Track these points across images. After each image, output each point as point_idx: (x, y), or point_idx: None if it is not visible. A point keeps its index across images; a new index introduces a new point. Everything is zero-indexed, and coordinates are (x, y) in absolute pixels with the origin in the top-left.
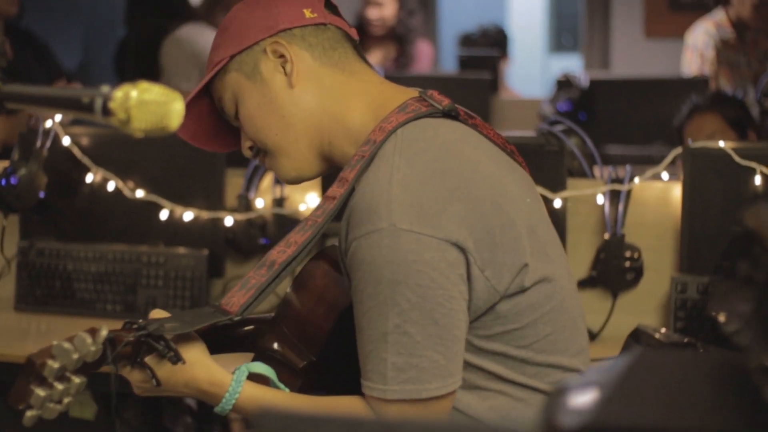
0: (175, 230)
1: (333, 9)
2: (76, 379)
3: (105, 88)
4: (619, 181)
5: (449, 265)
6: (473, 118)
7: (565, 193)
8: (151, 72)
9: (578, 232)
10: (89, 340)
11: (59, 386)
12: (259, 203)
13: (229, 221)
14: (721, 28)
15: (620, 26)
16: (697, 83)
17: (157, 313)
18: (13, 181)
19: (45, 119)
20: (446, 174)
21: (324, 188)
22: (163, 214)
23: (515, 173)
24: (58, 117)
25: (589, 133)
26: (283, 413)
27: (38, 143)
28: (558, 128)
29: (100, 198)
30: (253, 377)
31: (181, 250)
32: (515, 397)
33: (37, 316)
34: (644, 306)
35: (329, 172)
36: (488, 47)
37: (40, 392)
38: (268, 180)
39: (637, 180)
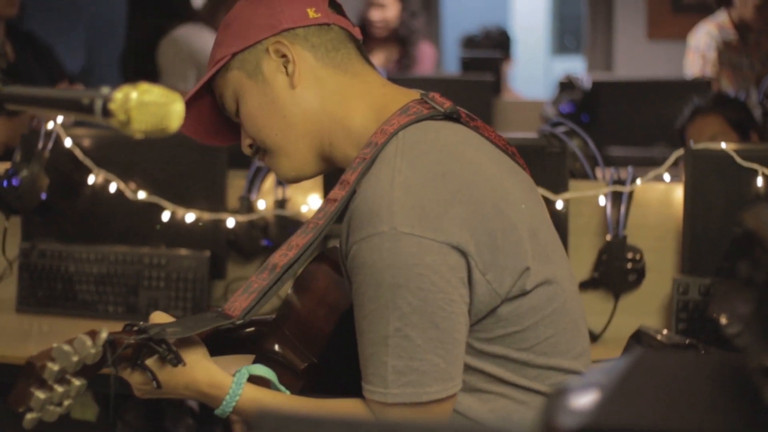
0: (176, 232)
1: (337, 8)
2: (77, 382)
3: (105, 90)
4: (621, 182)
5: (450, 268)
6: (475, 121)
7: (567, 195)
8: (152, 73)
9: (580, 233)
10: (89, 342)
11: (59, 389)
12: (261, 205)
13: (230, 223)
14: (724, 29)
15: (623, 28)
16: (700, 85)
17: (158, 316)
18: (14, 182)
19: (47, 121)
20: (447, 177)
21: (326, 190)
22: (165, 216)
23: (517, 176)
24: (60, 118)
25: (592, 135)
26: (282, 414)
27: (40, 145)
28: (560, 130)
29: (102, 199)
30: (254, 379)
31: (183, 251)
32: (516, 400)
33: (39, 318)
34: (646, 307)
35: (330, 172)
36: (491, 49)
37: (40, 395)
38: (269, 181)
39: (638, 181)
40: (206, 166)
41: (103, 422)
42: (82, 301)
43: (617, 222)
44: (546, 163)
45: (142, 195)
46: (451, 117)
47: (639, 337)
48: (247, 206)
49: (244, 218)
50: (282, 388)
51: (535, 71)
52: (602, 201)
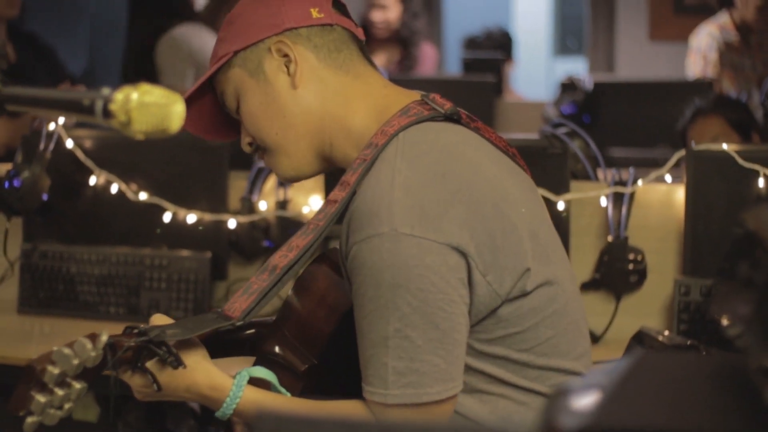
0: (178, 233)
1: (341, 9)
2: (77, 385)
3: (106, 91)
4: (623, 183)
5: (450, 269)
6: (475, 122)
7: (569, 196)
8: (153, 74)
9: (581, 234)
10: (89, 345)
11: (60, 392)
12: (263, 206)
13: (232, 224)
14: (725, 30)
15: (625, 29)
16: (701, 86)
17: (158, 318)
18: (16, 183)
19: (48, 122)
20: (447, 177)
21: (327, 190)
22: (167, 217)
23: (517, 176)
24: (62, 120)
25: (593, 136)
26: (282, 416)
27: (41, 146)
28: (561, 131)
29: (103, 200)
30: (255, 382)
31: (184, 252)
32: (517, 401)
33: (40, 319)
34: (647, 308)
35: (331, 173)
36: (492, 50)
37: (41, 398)
38: (271, 182)
39: (640, 182)
40: (208, 167)
41: (105, 423)
42: (83, 302)
43: (618, 223)
44: (547, 164)
45: (143, 196)
46: (451, 118)
47: (640, 338)
48: (249, 207)
49: (245, 219)
50: (282, 390)
51: (537, 72)
52: (603, 202)
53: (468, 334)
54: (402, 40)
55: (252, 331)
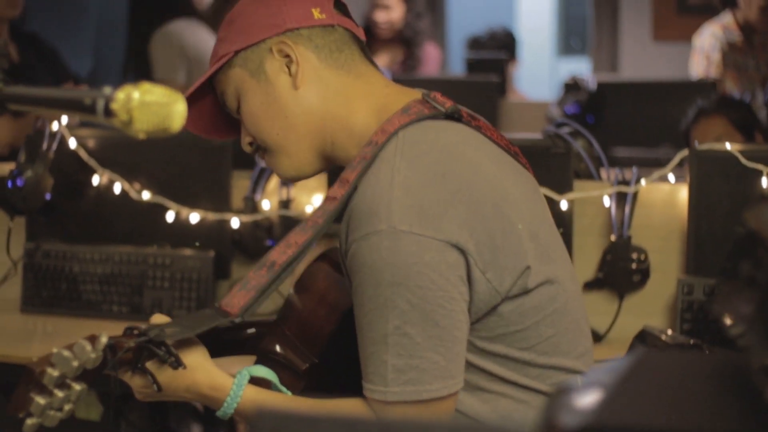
0: (181, 232)
1: (342, 9)
2: (77, 386)
3: (107, 90)
4: (626, 183)
5: (449, 266)
6: (476, 120)
7: (572, 195)
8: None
9: (585, 233)
10: (89, 347)
11: (59, 393)
12: (266, 205)
13: (235, 223)
14: (728, 30)
15: (628, 29)
16: (705, 86)
17: (158, 318)
18: (19, 183)
19: (51, 121)
20: (447, 176)
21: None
22: (170, 216)
23: (518, 175)
24: (65, 119)
25: (597, 136)
26: (281, 414)
27: (45, 145)
28: (565, 130)
29: (107, 200)
30: (255, 381)
31: (188, 251)
32: (518, 399)
33: (43, 318)
34: (651, 308)
35: (334, 172)
36: (496, 50)
37: (40, 400)
38: (274, 182)
39: (643, 182)
40: (211, 167)
41: (108, 422)
42: (86, 302)
43: (622, 222)
44: (550, 164)
45: (146, 195)
46: (452, 117)
47: (643, 338)
48: (252, 206)
49: (248, 218)
50: (283, 389)
51: (541, 72)
52: (607, 201)
53: (468, 332)
54: (405, 41)
55: (252, 330)
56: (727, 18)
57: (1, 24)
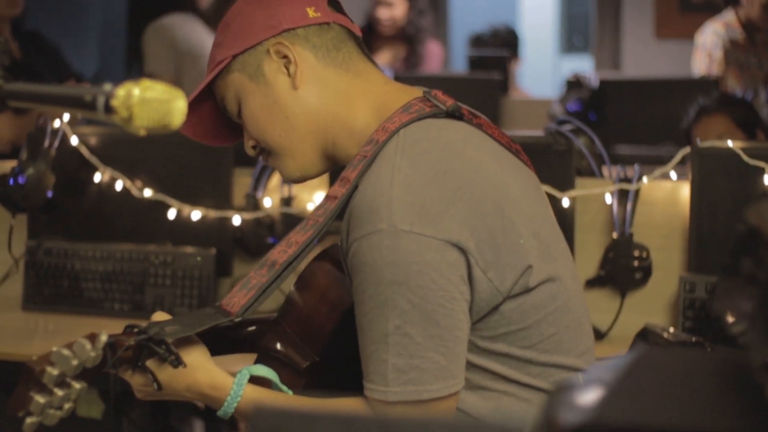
0: (182, 229)
1: (336, 6)
2: (77, 385)
3: (107, 86)
4: (628, 180)
5: (450, 266)
6: (478, 118)
7: (574, 193)
8: None
9: (586, 231)
10: (88, 346)
11: (59, 392)
12: (267, 202)
13: (237, 220)
14: (731, 28)
15: (631, 27)
16: (707, 84)
17: (159, 316)
18: (21, 180)
19: (53, 119)
20: (448, 175)
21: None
22: (171, 214)
23: (520, 173)
24: (67, 116)
25: (599, 133)
26: (279, 411)
27: (46, 143)
28: (567, 128)
29: (108, 197)
30: (256, 380)
31: (189, 249)
32: (519, 398)
33: (45, 316)
34: (652, 305)
35: (335, 171)
36: (499, 47)
37: (40, 399)
38: (275, 179)
39: (645, 179)
40: (212, 164)
41: (109, 420)
42: (88, 299)
43: (623, 220)
44: (552, 161)
45: (148, 193)
46: (453, 115)
47: (645, 335)
48: (253, 204)
49: (250, 216)
50: (284, 388)
51: (543, 70)
52: (608, 199)
53: (469, 331)
54: (408, 38)
55: (253, 328)
56: (729, 15)
57: (3, 22)
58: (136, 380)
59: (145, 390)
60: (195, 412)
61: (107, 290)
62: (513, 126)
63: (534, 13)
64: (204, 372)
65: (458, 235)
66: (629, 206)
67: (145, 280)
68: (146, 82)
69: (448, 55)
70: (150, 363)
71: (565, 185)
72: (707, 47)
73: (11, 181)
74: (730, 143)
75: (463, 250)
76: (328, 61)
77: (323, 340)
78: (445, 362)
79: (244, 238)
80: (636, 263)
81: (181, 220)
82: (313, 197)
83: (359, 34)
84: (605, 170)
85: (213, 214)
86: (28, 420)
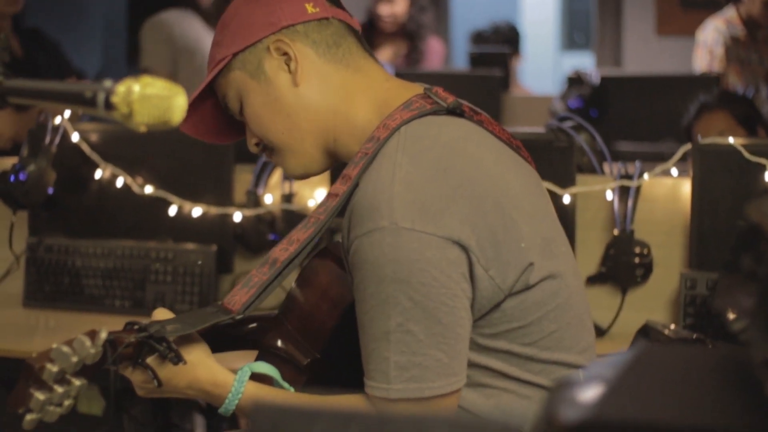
0: (183, 226)
1: (335, 0)
2: (77, 382)
3: (107, 83)
4: (629, 177)
5: (451, 263)
6: (478, 114)
7: (574, 189)
8: None
9: (587, 228)
10: (88, 342)
11: (59, 389)
12: (268, 199)
13: (237, 217)
14: (732, 25)
15: (632, 24)
16: (708, 80)
17: (161, 313)
18: (21, 177)
19: (54, 116)
20: (449, 172)
21: (332, 184)
22: (172, 210)
23: (520, 169)
24: (68, 113)
25: (600, 130)
26: (279, 408)
27: (47, 139)
28: (568, 124)
29: (109, 194)
30: (257, 377)
31: (190, 245)
32: (521, 395)
33: (46, 312)
34: (653, 302)
35: (337, 167)
36: (500, 44)
37: (40, 396)
38: (276, 176)
39: (646, 176)
40: (213, 161)
41: (110, 416)
42: (89, 296)
43: (624, 217)
44: (553, 158)
45: (149, 189)
46: (454, 112)
47: (646, 332)
48: (254, 200)
49: (251, 212)
50: (285, 385)
51: (544, 67)
52: (609, 195)
53: (471, 329)
54: (409, 34)
55: (254, 325)
56: (730, 12)
57: (3, 19)
58: (136, 377)
59: (146, 387)
60: (196, 408)
61: (108, 287)
62: (514, 123)
63: (535, 10)
64: (205, 369)
65: (459, 233)
66: (630, 203)
67: (146, 276)
68: (146, 79)
69: (449, 52)
70: (150, 360)
71: (566, 182)
72: (708, 44)
73: (12, 178)
74: (731, 140)
75: (464, 248)
76: (328, 57)
77: (324, 337)
78: (447, 360)
79: (245, 234)
80: (637, 260)
81: (182, 217)
82: (314, 194)
83: (358, 27)
84: (606, 167)
85: (214, 210)
86: (28, 417)
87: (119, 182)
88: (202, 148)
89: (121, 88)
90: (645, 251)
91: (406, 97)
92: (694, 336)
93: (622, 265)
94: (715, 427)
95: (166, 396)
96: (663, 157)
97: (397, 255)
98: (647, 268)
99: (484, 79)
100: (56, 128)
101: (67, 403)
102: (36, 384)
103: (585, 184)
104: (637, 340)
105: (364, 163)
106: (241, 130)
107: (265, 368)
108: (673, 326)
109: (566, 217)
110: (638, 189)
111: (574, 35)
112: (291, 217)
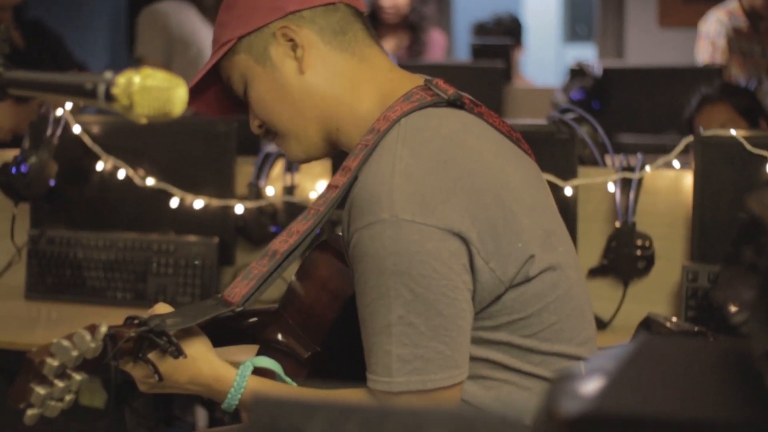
0: (185, 218)
1: None
2: (77, 377)
3: (108, 74)
4: (631, 169)
5: (452, 254)
6: (479, 107)
7: (576, 182)
8: None
9: (589, 220)
10: (88, 337)
11: (60, 384)
12: (270, 191)
13: (239, 209)
14: (734, 16)
15: (634, 15)
16: (710, 72)
17: (161, 308)
18: (23, 169)
19: (56, 107)
20: (449, 165)
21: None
22: (174, 202)
23: (520, 162)
24: (69, 105)
25: (602, 122)
26: (278, 400)
27: (49, 131)
28: (569, 116)
29: (111, 186)
30: (259, 372)
31: (192, 238)
32: (521, 386)
33: (48, 305)
34: (655, 295)
35: (337, 158)
36: (502, 36)
37: (40, 390)
38: (278, 168)
39: (648, 168)
40: (215, 153)
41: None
42: (90, 288)
43: (626, 209)
44: (555, 150)
45: (150, 181)
46: (454, 104)
47: (648, 325)
48: (256, 193)
49: (252, 204)
50: (288, 379)
51: (547, 58)
52: (611, 188)
53: (472, 321)
54: (411, 26)
55: (254, 319)
56: (732, 4)
57: (5, 11)
58: (137, 372)
59: (148, 382)
60: (198, 401)
61: (110, 279)
62: (516, 114)
63: (537, 1)
64: (206, 364)
65: (460, 225)
66: (632, 195)
67: (148, 268)
68: (147, 70)
69: (452, 44)
70: (151, 355)
71: (568, 174)
72: (710, 35)
73: (14, 170)
74: (733, 132)
75: (464, 240)
76: (334, 44)
77: (325, 330)
78: (449, 352)
79: (247, 226)
80: (639, 252)
81: (184, 209)
82: (316, 186)
83: (364, 9)
84: (608, 159)
85: (216, 202)
86: (29, 412)
87: (121, 174)
88: (204, 140)
89: (121, 79)
90: (647, 243)
91: (407, 89)
92: (696, 329)
93: (624, 258)
94: (716, 420)
95: (168, 391)
96: (665, 149)
97: (398, 247)
98: (649, 261)
99: (487, 71)
100: (58, 120)
101: (68, 398)
102: (36, 378)
103: (587, 176)
104: (639, 333)
105: (364, 154)
106: (242, 106)
107: (267, 363)
108: (674, 319)
109: (568, 209)
110: (640, 181)
111: (576, 27)
112: (293, 209)
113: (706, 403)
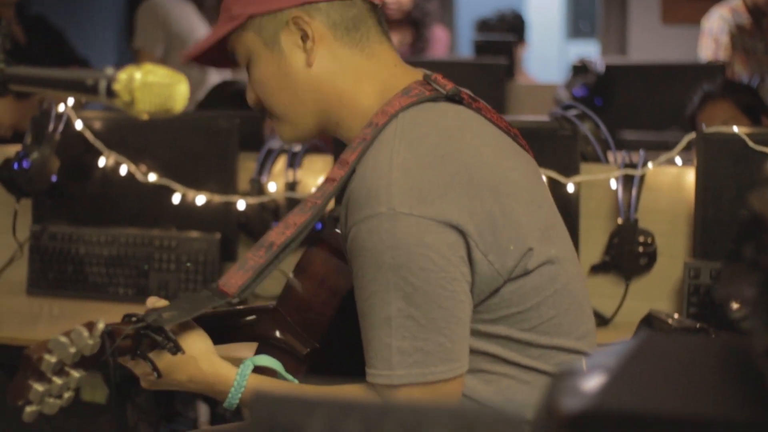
0: (187, 214)
1: None
2: (75, 373)
3: (109, 70)
4: (633, 165)
5: (449, 247)
6: (477, 102)
7: (578, 178)
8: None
9: (591, 216)
10: (86, 333)
11: (58, 381)
12: (272, 187)
13: (241, 205)
14: (737, 13)
15: (637, 12)
16: (713, 69)
17: (154, 301)
18: (25, 164)
19: (57, 103)
20: (447, 159)
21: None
22: (176, 198)
23: (518, 157)
24: (71, 101)
25: (605, 119)
26: (278, 397)
27: (51, 127)
28: (572, 113)
29: (113, 182)
30: (260, 370)
31: (194, 233)
32: (520, 380)
33: (50, 300)
34: (657, 291)
35: (338, 153)
36: (505, 32)
37: (39, 387)
38: (280, 164)
39: (650, 165)
40: (217, 149)
41: (113, 405)
42: (92, 284)
43: (628, 205)
44: (557, 146)
45: (152, 177)
46: (453, 99)
47: (650, 321)
48: (258, 188)
49: (254, 200)
50: (289, 377)
51: (549, 55)
52: (613, 184)
53: (471, 314)
54: (414, 22)
55: (252, 316)
56: (735, 1)
57: (7, 7)
58: (137, 369)
59: (150, 379)
60: (200, 396)
61: (111, 275)
62: (518, 111)
63: None
64: (207, 363)
65: (458, 217)
66: (634, 192)
67: (150, 264)
68: (148, 66)
69: (454, 40)
70: (150, 352)
71: (570, 170)
72: (714, 32)
73: (16, 166)
74: (735, 129)
75: (462, 232)
76: (345, 40)
77: (323, 326)
78: (449, 344)
79: (249, 222)
80: (641, 249)
81: (186, 205)
82: (318, 182)
83: (379, 2)
84: (610, 156)
85: (217, 198)
86: (28, 409)
87: (123, 170)
88: (206, 136)
89: (122, 75)
90: (649, 240)
91: (406, 83)
92: (698, 325)
93: (626, 254)
94: (717, 417)
95: (170, 389)
96: (667, 146)
97: (396, 240)
98: (651, 257)
99: (489, 68)
100: (60, 116)
101: (66, 395)
102: (35, 375)
103: (589, 172)
104: (641, 330)
105: (361, 148)
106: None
107: (267, 361)
108: (676, 315)
109: (570, 205)
110: (642, 178)
111: (579, 23)
112: (295, 205)
113: (707, 400)
